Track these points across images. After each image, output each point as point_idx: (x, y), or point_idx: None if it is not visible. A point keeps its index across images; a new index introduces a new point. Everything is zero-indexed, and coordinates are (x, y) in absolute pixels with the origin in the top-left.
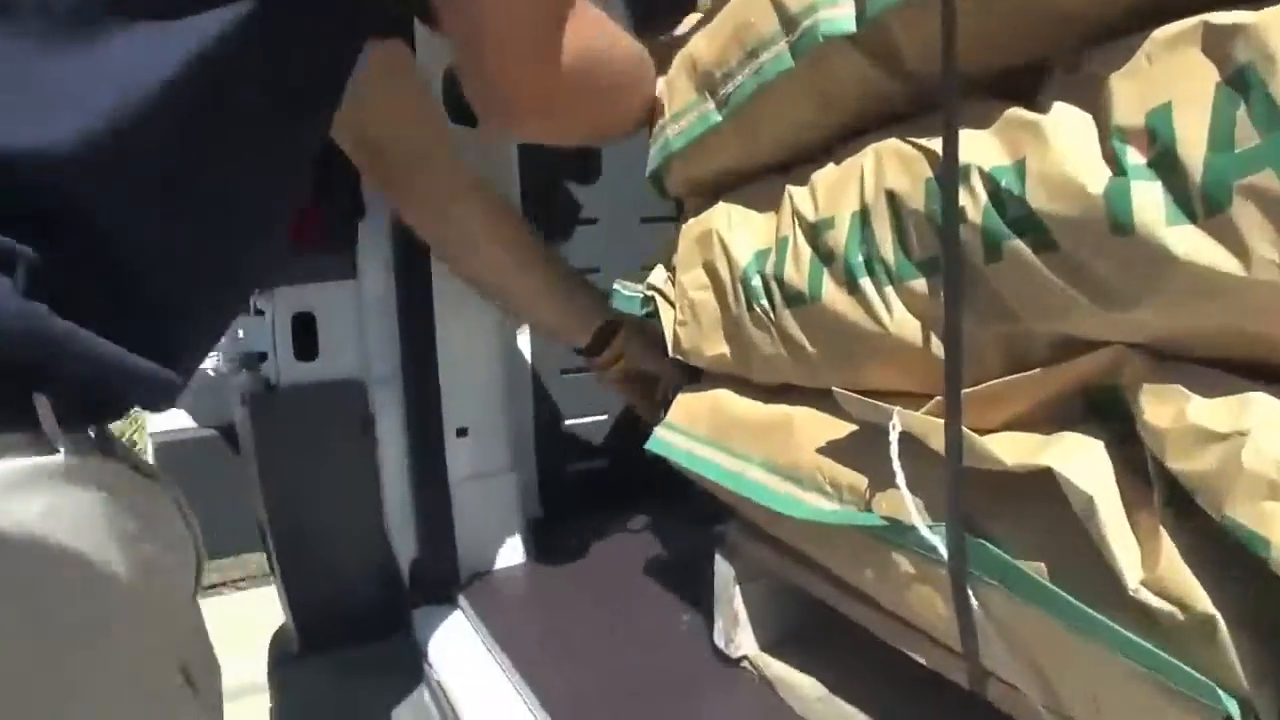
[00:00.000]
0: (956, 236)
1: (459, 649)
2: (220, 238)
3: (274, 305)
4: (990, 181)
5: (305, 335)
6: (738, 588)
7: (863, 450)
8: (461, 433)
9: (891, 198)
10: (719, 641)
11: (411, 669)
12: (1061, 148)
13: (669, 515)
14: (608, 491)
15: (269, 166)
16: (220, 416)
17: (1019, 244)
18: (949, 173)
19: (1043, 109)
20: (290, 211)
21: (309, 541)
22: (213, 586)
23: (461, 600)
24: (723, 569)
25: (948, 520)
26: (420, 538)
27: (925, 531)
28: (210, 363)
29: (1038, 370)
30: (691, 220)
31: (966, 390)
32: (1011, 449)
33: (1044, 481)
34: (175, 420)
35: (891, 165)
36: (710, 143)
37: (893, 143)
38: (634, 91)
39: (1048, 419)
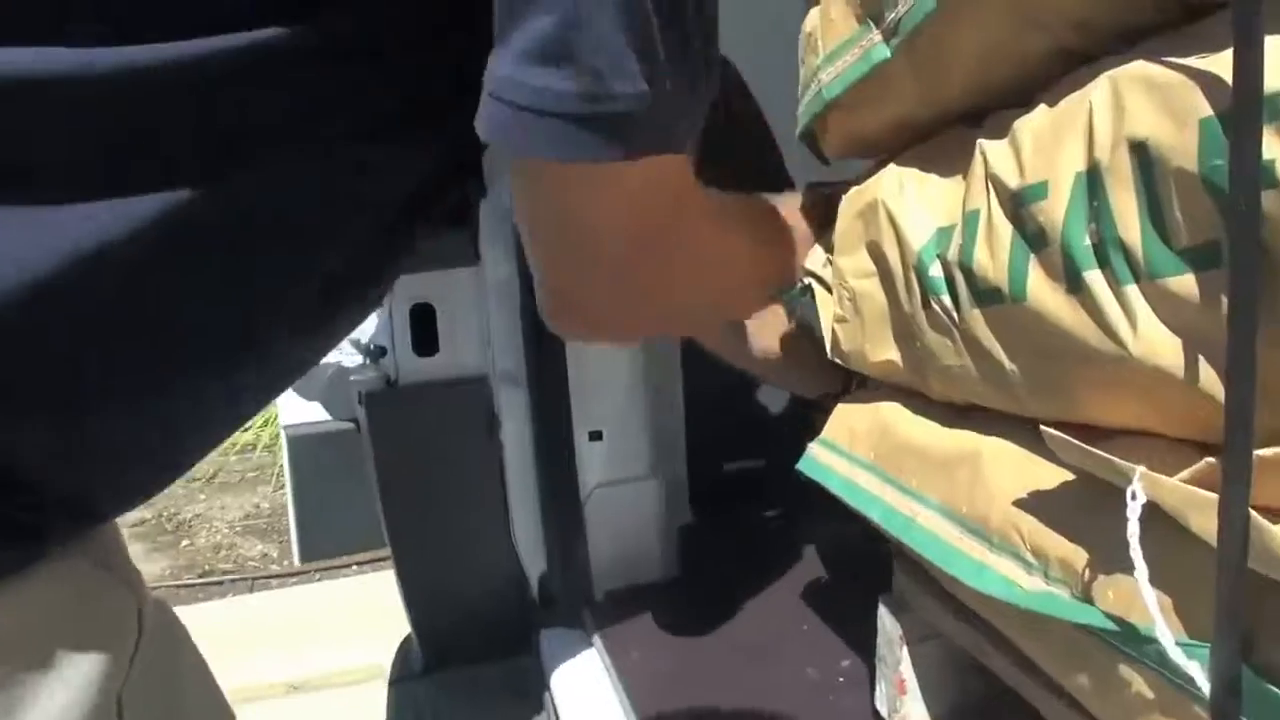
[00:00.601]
0: (1257, 208)
1: (582, 679)
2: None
3: (392, 295)
4: None
5: (424, 328)
6: (905, 649)
7: (1082, 510)
8: (595, 436)
9: (1139, 151)
10: (881, 708)
11: (534, 697)
12: None
13: (844, 525)
14: (770, 495)
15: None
16: (354, 409)
17: None
18: (1244, 104)
19: None
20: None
21: (430, 553)
22: (343, 566)
23: (590, 622)
24: (887, 625)
25: (1215, 642)
26: (548, 552)
27: (1175, 652)
28: (340, 356)
29: None
30: (853, 189)
31: (1263, 452)
32: None
33: None
34: (310, 413)
35: (1138, 99)
36: (877, 85)
37: (1139, 66)
38: (767, 276)
39: None
